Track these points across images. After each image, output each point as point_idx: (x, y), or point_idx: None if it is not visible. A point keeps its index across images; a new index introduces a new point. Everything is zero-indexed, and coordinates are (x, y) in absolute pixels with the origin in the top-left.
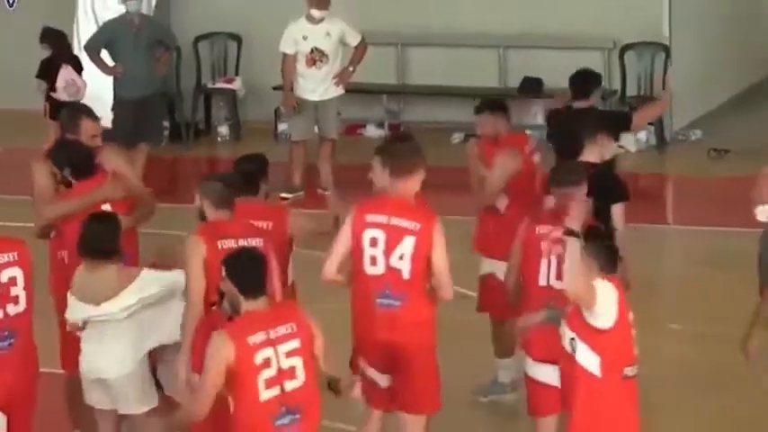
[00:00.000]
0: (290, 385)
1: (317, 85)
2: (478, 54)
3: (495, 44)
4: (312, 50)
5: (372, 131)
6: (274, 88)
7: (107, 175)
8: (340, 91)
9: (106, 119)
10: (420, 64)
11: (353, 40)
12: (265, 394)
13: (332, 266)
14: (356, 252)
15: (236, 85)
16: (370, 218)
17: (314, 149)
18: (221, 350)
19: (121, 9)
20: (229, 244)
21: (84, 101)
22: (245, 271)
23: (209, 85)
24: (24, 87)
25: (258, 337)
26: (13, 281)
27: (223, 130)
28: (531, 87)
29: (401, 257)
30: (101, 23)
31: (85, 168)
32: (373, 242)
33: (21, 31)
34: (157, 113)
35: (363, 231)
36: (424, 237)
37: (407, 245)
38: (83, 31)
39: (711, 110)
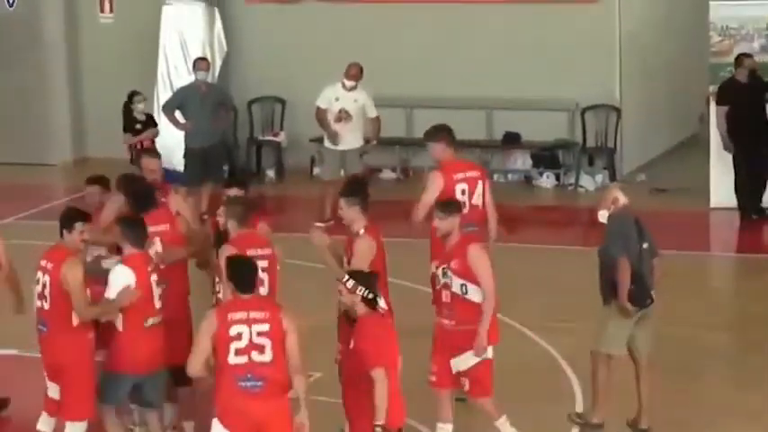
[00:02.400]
0: (257, 358)
1: (343, 138)
2: (470, 114)
3: (483, 106)
4: (340, 110)
5: (388, 174)
6: (311, 140)
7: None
8: (361, 143)
9: (179, 164)
10: (424, 121)
11: (371, 112)
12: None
13: (423, 212)
14: None
15: (281, 137)
16: (456, 176)
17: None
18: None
19: (191, 78)
20: (252, 253)
21: (162, 150)
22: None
23: (260, 138)
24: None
25: (238, 315)
26: (45, 286)
27: (270, 173)
28: (512, 140)
29: (478, 196)
30: (175, 89)
31: (144, 201)
32: (462, 191)
33: (118, 96)
34: (219, 159)
35: (455, 186)
36: (485, 178)
37: (480, 187)
38: (161, 94)
39: (653, 157)
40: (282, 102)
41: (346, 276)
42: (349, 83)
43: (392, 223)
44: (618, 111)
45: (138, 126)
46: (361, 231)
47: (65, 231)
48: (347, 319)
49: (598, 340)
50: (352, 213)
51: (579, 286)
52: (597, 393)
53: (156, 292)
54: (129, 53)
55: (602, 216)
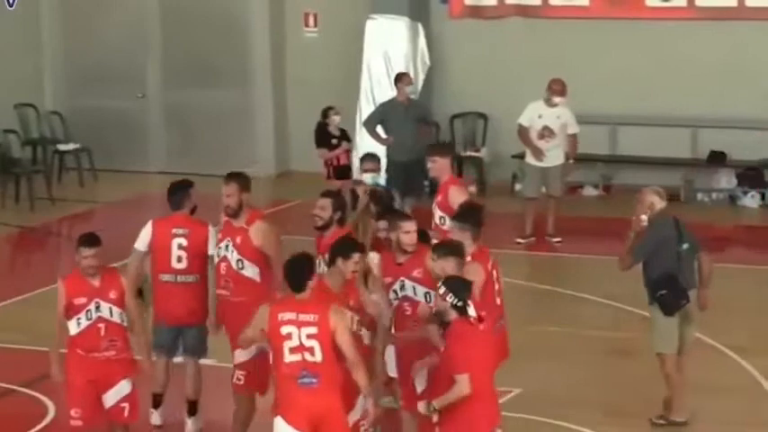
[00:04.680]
0: (309, 358)
1: (546, 155)
2: (674, 132)
3: (688, 124)
4: (543, 128)
5: (590, 191)
6: (512, 156)
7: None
8: (562, 160)
9: (381, 178)
10: (628, 139)
11: (573, 129)
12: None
13: None
14: None
15: (483, 153)
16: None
17: (542, 205)
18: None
19: (394, 92)
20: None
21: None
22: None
23: (462, 153)
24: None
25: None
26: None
27: (471, 188)
28: (717, 159)
29: None
30: (377, 103)
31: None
32: None
33: (317, 109)
34: (420, 174)
35: None
36: None
37: None
38: (364, 108)
39: None
40: (485, 117)
41: (440, 282)
42: (552, 99)
43: (594, 239)
44: None
45: (334, 141)
46: (468, 258)
47: (340, 259)
48: (439, 322)
49: (651, 342)
50: (462, 239)
51: None
52: (674, 392)
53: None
54: (333, 67)
55: (644, 220)
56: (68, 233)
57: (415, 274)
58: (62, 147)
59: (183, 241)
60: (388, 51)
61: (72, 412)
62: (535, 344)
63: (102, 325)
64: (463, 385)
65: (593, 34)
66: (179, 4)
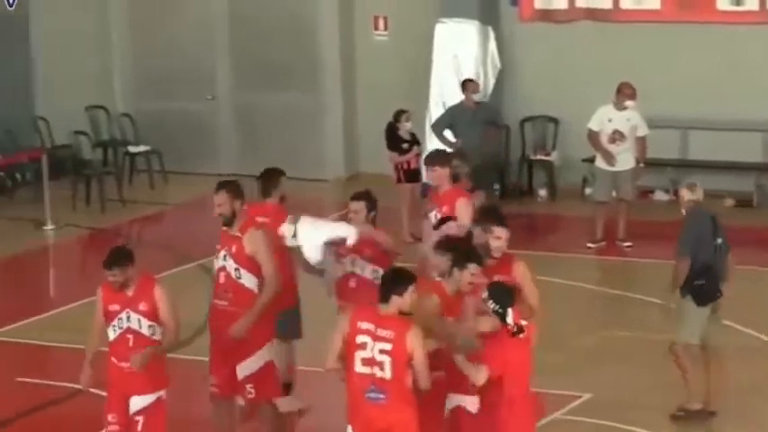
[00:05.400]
0: (379, 373)
1: (617, 159)
2: (746, 136)
3: (760, 128)
4: (614, 131)
5: (660, 196)
6: (583, 160)
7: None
8: (633, 164)
9: None
10: (698, 143)
11: (642, 131)
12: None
13: None
14: None
15: (553, 156)
16: None
17: (613, 209)
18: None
19: (463, 96)
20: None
21: None
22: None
23: (532, 157)
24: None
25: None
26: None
27: (542, 192)
28: None
29: None
30: (447, 107)
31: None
32: None
33: (391, 113)
34: (489, 178)
35: None
36: None
37: None
38: (433, 112)
39: None
40: (555, 121)
41: (485, 287)
42: (621, 103)
43: (664, 244)
44: None
45: (405, 145)
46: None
47: (456, 269)
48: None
49: (677, 333)
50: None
51: None
52: (689, 382)
53: None
54: (403, 70)
55: (683, 213)
56: (139, 235)
57: (497, 279)
58: (132, 149)
59: None
60: (458, 55)
61: (109, 417)
62: (605, 348)
63: (130, 336)
64: (481, 373)
65: (663, 38)
66: (248, 7)
